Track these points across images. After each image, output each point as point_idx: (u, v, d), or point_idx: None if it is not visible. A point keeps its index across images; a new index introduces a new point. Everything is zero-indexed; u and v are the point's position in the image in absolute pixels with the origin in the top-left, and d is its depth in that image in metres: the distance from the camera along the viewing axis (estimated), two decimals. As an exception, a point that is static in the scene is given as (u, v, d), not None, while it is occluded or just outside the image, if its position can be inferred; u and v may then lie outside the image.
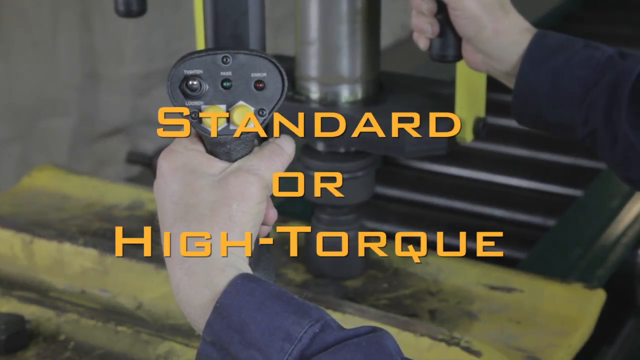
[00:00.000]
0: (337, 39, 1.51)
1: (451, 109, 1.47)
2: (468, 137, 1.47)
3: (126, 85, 3.45)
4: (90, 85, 3.39)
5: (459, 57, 1.35)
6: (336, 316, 1.40)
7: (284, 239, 1.68)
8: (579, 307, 1.50)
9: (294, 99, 1.54)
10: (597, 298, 1.52)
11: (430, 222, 1.99)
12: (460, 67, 1.44)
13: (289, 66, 1.57)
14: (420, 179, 2.13)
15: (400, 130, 1.41)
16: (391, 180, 2.12)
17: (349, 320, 1.39)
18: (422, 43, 1.36)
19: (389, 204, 2.06)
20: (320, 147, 1.57)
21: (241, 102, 1.01)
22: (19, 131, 3.20)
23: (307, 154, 1.57)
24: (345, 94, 1.53)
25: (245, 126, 1.01)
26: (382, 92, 1.56)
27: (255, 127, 1.01)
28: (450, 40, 1.34)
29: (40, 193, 1.85)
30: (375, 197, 2.05)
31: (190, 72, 1.00)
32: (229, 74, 1.01)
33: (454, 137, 1.46)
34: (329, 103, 1.53)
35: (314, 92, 1.54)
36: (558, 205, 2.00)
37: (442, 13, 1.33)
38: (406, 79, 1.61)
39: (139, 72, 3.46)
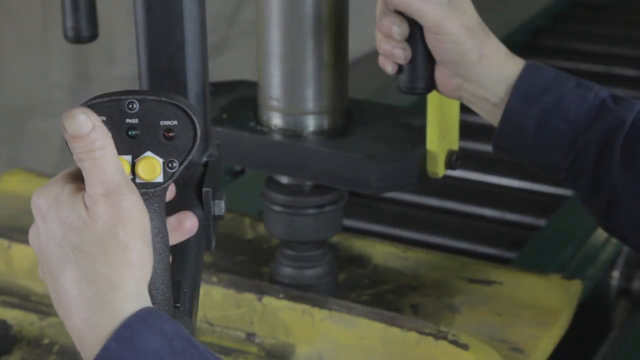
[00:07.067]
0: (301, 69, 1.44)
1: (422, 141, 1.42)
2: (440, 171, 1.42)
3: (117, 86, 3.44)
4: (81, 86, 3.38)
5: (429, 88, 1.30)
6: (323, 313, 1.40)
7: (263, 237, 1.67)
8: (558, 297, 1.51)
9: (256, 129, 1.49)
10: (575, 288, 1.53)
11: (421, 222, 1.98)
12: (432, 97, 1.38)
13: (253, 93, 1.53)
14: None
15: (367, 165, 1.39)
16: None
17: (336, 317, 1.39)
18: (390, 68, 1.30)
19: (379, 204, 2.05)
20: (284, 179, 1.51)
21: (148, 153, 0.93)
22: (8, 132, 3.19)
23: (271, 187, 1.51)
24: (310, 124, 1.47)
25: (153, 180, 0.93)
26: (350, 122, 1.50)
27: (164, 180, 0.93)
28: (420, 69, 1.28)
29: (12, 197, 1.83)
30: (365, 197, 2.05)
31: None
32: (135, 121, 0.92)
33: (425, 171, 1.41)
34: (293, 134, 1.47)
35: (277, 123, 1.48)
36: (549, 205, 1.99)
37: (415, 37, 1.27)
38: (375, 108, 1.55)
39: (130, 73, 3.45)
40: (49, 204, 0.92)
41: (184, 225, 1.00)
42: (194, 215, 1.01)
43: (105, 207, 0.90)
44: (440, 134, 1.41)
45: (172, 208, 1.00)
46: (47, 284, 0.94)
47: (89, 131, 0.90)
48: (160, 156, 0.93)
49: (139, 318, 0.89)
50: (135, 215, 0.91)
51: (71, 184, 0.93)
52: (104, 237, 0.90)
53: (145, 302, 0.91)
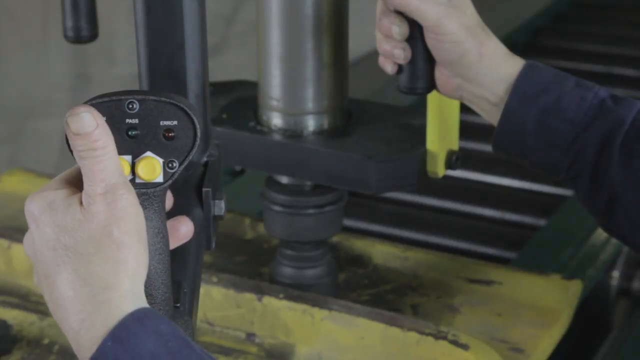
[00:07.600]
0: (301, 69, 1.44)
1: (422, 141, 1.42)
2: (440, 171, 1.42)
3: (117, 86, 3.43)
4: (81, 86, 3.38)
5: (429, 88, 1.31)
6: (323, 313, 1.39)
7: (263, 237, 1.67)
8: (558, 297, 1.51)
9: (256, 129, 1.49)
10: (575, 288, 1.53)
11: (421, 222, 1.98)
12: (432, 97, 1.39)
13: (253, 93, 1.53)
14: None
15: (367, 165, 1.39)
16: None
17: (336, 317, 1.39)
18: (390, 68, 1.30)
19: (379, 204, 2.05)
20: (284, 179, 1.51)
21: (148, 153, 0.93)
22: (8, 132, 3.19)
23: (271, 187, 1.51)
24: (310, 124, 1.47)
25: (153, 180, 0.93)
26: (350, 122, 1.50)
27: (164, 180, 0.93)
28: (420, 69, 1.28)
29: (12, 197, 1.82)
30: (365, 197, 2.05)
31: None
32: (135, 121, 0.92)
33: (425, 171, 1.42)
34: (293, 134, 1.47)
35: (277, 123, 1.48)
36: (549, 205, 1.99)
37: (415, 37, 1.27)
38: (375, 108, 1.55)
39: (130, 73, 3.44)
40: (42, 208, 0.92)
41: (179, 231, 1.00)
42: (189, 220, 1.00)
43: (103, 206, 0.90)
44: (440, 134, 1.41)
45: (171, 209, 1.00)
46: (43, 289, 0.93)
47: (92, 130, 0.90)
48: (160, 156, 0.93)
49: (135, 318, 0.89)
50: (131, 214, 0.91)
51: (65, 189, 0.93)
52: (98, 236, 0.90)
53: (142, 301, 0.91)
